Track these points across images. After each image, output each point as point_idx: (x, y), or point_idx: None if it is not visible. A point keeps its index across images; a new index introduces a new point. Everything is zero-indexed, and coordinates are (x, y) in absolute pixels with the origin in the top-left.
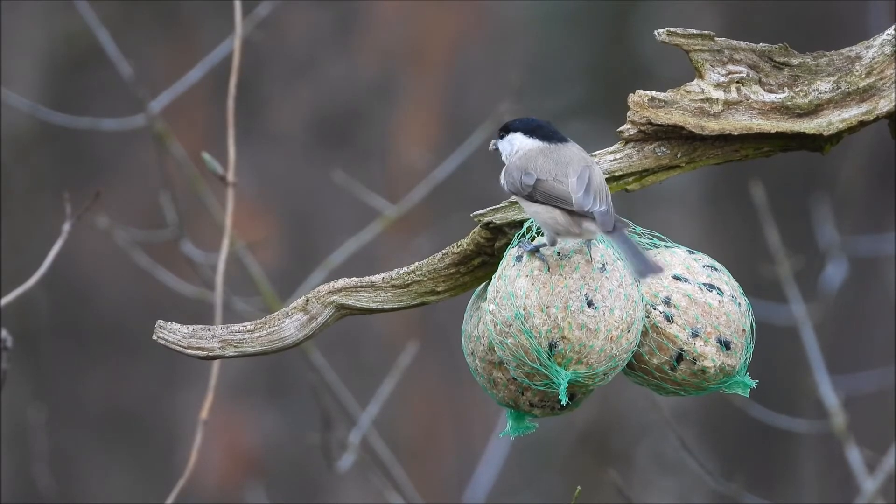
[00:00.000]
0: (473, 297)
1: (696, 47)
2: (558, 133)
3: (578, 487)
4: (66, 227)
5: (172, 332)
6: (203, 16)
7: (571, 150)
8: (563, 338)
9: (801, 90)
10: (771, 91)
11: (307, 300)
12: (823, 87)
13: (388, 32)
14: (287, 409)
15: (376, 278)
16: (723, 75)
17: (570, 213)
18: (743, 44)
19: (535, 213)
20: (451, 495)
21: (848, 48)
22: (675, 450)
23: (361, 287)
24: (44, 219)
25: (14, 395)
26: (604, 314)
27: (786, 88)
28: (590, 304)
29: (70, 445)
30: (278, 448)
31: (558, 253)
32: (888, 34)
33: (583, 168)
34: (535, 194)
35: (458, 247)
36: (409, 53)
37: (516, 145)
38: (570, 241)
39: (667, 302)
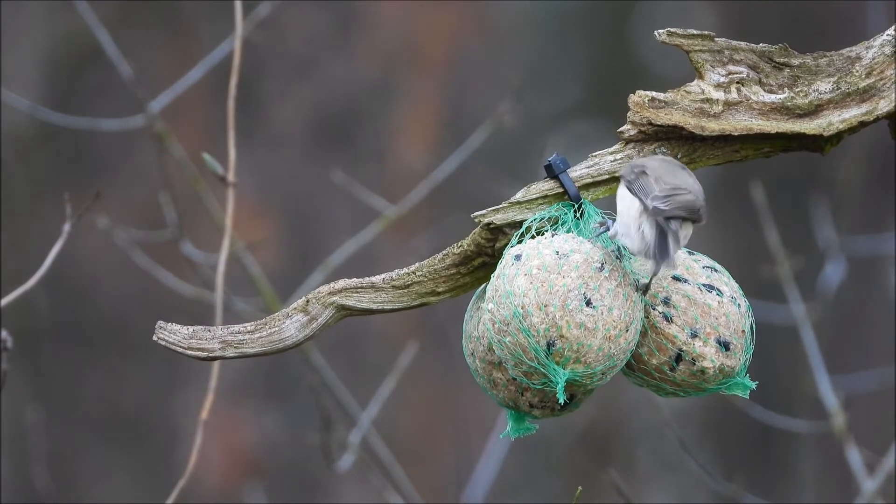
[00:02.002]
0: (474, 297)
1: (697, 48)
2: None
3: (580, 487)
4: (66, 227)
5: (173, 333)
6: (203, 16)
7: (688, 175)
8: (561, 336)
9: (801, 91)
10: (771, 91)
11: (307, 301)
12: (823, 87)
13: (388, 32)
14: (287, 410)
15: (376, 279)
16: (723, 76)
17: (643, 210)
18: (743, 44)
19: (620, 197)
20: (450, 495)
21: (848, 48)
22: (675, 450)
23: (362, 288)
24: (44, 219)
25: (14, 396)
26: (602, 313)
27: (786, 89)
28: (588, 303)
29: (70, 446)
30: (278, 448)
31: (557, 252)
32: (888, 34)
33: (684, 189)
34: (633, 184)
35: (458, 247)
36: (409, 53)
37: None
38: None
39: (666, 302)
